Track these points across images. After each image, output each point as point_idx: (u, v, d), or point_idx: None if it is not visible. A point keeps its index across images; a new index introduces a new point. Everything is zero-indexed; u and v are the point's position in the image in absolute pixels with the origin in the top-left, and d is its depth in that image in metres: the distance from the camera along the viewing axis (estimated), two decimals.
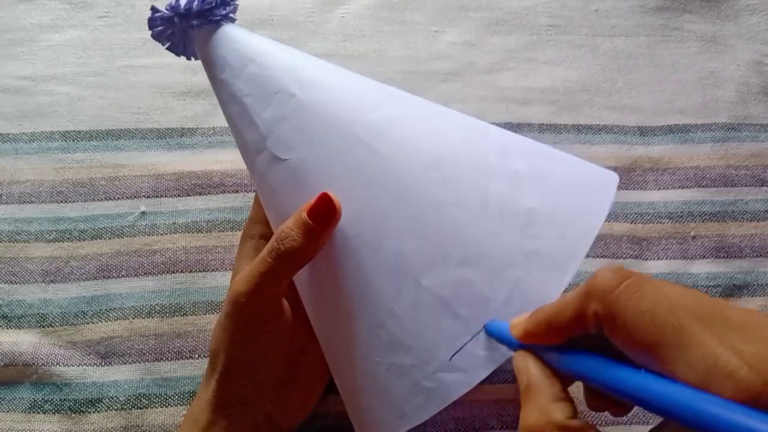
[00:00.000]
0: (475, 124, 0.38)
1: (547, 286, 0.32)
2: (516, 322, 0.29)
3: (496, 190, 0.34)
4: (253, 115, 0.36)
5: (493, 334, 0.32)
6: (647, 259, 0.48)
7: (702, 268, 0.48)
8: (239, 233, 0.43)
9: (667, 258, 0.49)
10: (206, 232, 0.47)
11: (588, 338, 0.27)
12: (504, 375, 0.44)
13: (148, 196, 0.48)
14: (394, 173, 0.34)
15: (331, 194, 0.33)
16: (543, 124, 0.53)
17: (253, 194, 0.47)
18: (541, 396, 0.27)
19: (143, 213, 0.48)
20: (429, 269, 0.33)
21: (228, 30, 0.38)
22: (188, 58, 0.40)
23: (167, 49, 0.40)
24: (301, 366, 0.38)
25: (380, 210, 0.34)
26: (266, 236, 0.38)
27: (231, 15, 0.38)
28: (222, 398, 0.35)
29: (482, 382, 0.44)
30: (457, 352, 0.32)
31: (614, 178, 0.37)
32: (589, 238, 0.34)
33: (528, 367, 0.28)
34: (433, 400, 0.32)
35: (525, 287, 0.32)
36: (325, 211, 0.33)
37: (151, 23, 0.38)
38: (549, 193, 0.35)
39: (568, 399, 0.27)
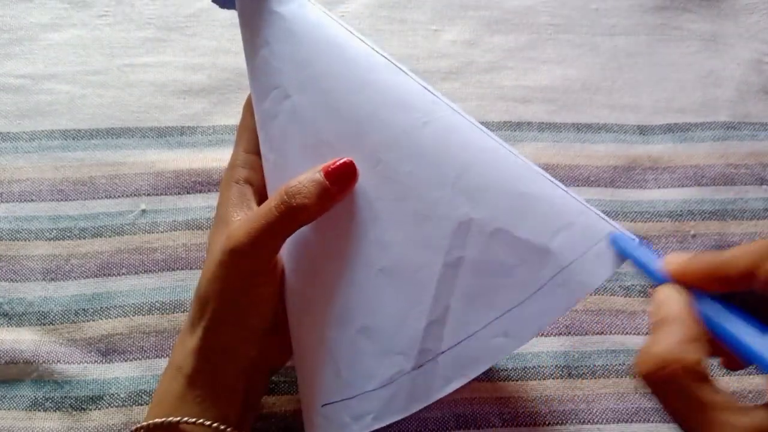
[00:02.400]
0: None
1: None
2: (673, 259, 0.29)
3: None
4: (257, 102, 0.37)
5: (626, 253, 0.31)
6: None
7: None
8: None
9: None
10: (206, 229, 0.48)
11: (742, 298, 0.27)
12: (505, 373, 0.44)
13: (149, 194, 0.48)
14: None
15: (351, 161, 0.33)
16: (542, 123, 0.53)
17: None
18: (680, 330, 0.25)
19: (143, 211, 0.48)
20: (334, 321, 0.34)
21: None
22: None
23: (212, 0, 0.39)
24: (283, 314, 0.37)
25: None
26: (250, 181, 0.37)
27: None
28: (208, 346, 0.34)
29: (482, 380, 0.44)
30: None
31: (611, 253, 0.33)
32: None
33: (673, 301, 0.27)
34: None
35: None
36: (344, 175, 0.33)
37: None
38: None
39: (705, 344, 0.25)
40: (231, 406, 0.35)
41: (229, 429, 0.34)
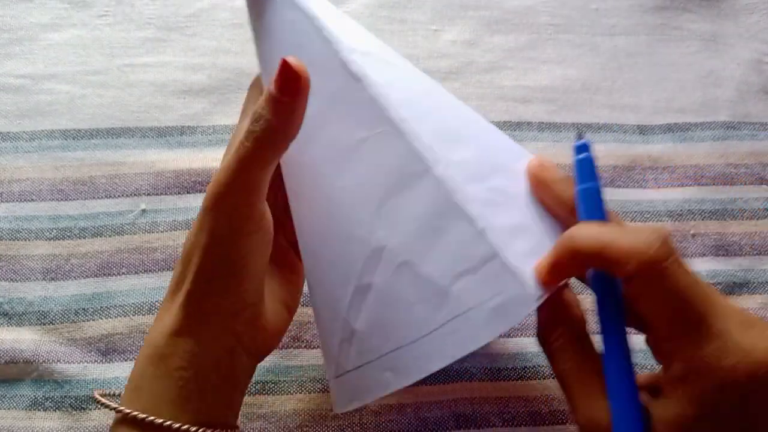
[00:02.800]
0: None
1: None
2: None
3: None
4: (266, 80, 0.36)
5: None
6: None
7: (702, 266, 0.48)
8: None
9: None
10: None
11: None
12: (506, 372, 0.44)
13: (149, 194, 0.48)
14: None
15: (294, 61, 0.29)
16: (542, 122, 0.53)
17: None
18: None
19: (143, 211, 0.48)
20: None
21: None
22: None
23: None
24: (273, 288, 0.36)
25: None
26: None
27: None
28: (190, 315, 0.31)
29: (483, 379, 0.44)
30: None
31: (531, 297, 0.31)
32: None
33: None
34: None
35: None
36: (289, 79, 0.29)
37: None
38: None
39: None
40: (215, 392, 0.32)
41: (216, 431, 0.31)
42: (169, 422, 0.30)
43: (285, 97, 0.29)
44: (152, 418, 0.30)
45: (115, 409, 0.31)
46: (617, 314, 0.31)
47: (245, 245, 0.31)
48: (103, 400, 0.32)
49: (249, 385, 0.36)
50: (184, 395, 0.31)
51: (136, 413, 0.30)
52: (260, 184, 0.31)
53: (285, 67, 0.29)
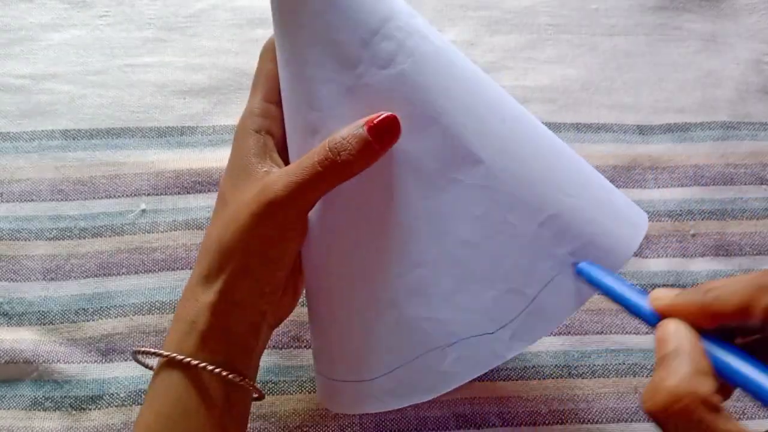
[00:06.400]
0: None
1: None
2: (660, 295, 0.28)
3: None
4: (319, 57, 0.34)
5: (604, 287, 0.31)
6: (647, 257, 0.49)
7: (702, 266, 0.49)
8: None
9: (666, 256, 0.49)
10: (206, 229, 0.48)
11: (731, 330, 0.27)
12: (506, 372, 0.45)
13: (149, 194, 0.49)
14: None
15: (394, 115, 0.32)
16: (542, 122, 0.53)
17: None
18: (689, 364, 0.25)
19: (143, 211, 0.48)
20: (519, 210, 0.33)
21: None
22: None
23: None
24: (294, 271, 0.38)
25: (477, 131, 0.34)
26: (271, 132, 0.37)
27: None
28: (225, 300, 0.34)
29: (483, 379, 0.44)
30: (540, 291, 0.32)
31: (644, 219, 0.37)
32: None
33: (681, 334, 0.26)
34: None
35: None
36: (386, 131, 0.32)
37: None
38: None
39: (715, 377, 0.25)
40: (243, 360, 0.35)
41: (246, 381, 0.34)
42: (213, 368, 0.33)
43: (376, 146, 0.32)
44: (197, 362, 0.33)
45: (161, 354, 0.34)
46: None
47: (285, 248, 0.34)
48: (147, 349, 0.35)
49: None
50: (217, 363, 0.34)
51: (181, 357, 0.33)
52: (314, 203, 0.34)
53: (390, 121, 0.32)
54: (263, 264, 0.34)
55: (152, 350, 0.35)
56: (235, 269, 0.34)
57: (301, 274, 0.38)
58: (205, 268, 0.35)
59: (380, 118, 0.32)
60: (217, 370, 0.33)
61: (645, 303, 0.29)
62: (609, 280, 0.31)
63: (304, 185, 0.32)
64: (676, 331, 0.27)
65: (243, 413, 0.36)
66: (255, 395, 0.36)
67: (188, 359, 0.33)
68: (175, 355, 0.33)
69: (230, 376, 0.33)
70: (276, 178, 0.33)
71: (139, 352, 0.36)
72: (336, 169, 0.32)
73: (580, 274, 0.32)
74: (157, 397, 0.34)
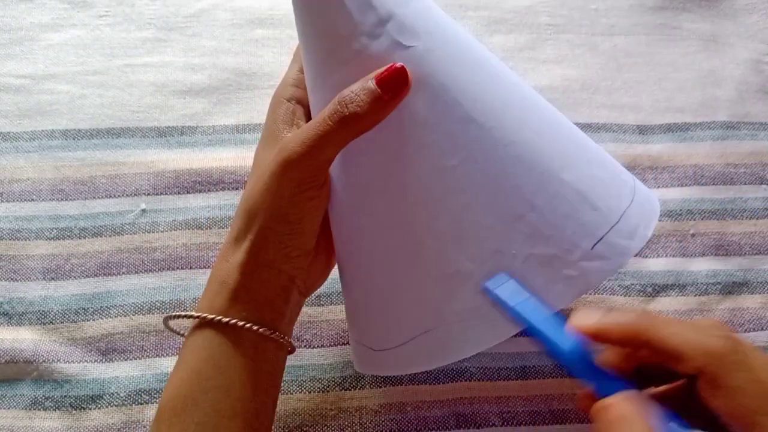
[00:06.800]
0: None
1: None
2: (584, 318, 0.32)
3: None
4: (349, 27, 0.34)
5: (510, 309, 0.32)
6: (647, 257, 0.48)
7: (701, 265, 0.48)
8: None
9: (666, 256, 0.49)
10: (206, 228, 0.48)
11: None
12: (506, 372, 0.45)
13: (149, 194, 0.49)
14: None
15: (403, 66, 0.32)
16: None
17: None
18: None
19: (143, 210, 0.48)
20: (566, 164, 0.34)
21: None
22: None
23: None
24: (323, 239, 0.38)
25: (515, 107, 0.34)
26: (302, 101, 0.38)
27: None
28: (253, 260, 0.35)
29: (482, 379, 0.44)
30: (599, 240, 0.33)
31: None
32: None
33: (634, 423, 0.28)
34: (574, 287, 0.33)
35: (639, 189, 0.37)
36: (395, 82, 0.32)
37: None
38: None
39: None
40: (273, 322, 0.35)
41: (277, 333, 0.35)
42: (244, 323, 0.34)
43: (386, 96, 0.32)
44: (228, 319, 0.34)
45: (191, 316, 0.35)
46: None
47: (304, 208, 0.35)
48: (178, 313, 0.36)
49: None
50: (242, 308, 0.35)
51: (212, 316, 0.34)
52: (331, 159, 0.34)
53: (398, 71, 0.32)
54: (285, 224, 0.34)
55: (183, 313, 0.35)
56: (260, 230, 0.34)
57: (332, 246, 0.39)
58: (235, 230, 0.36)
59: (388, 69, 0.32)
60: (248, 325, 0.34)
61: (561, 337, 0.31)
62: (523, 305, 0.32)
63: (317, 140, 0.32)
64: (626, 418, 0.28)
65: (276, 368, 0.36)
66: (288, 349, 0.37)
67: (219, 317, 0.34)
68: (205, 315, 0.34)
69: (260, 330, 0.34)
70: (292, 137, 0.34)
71: (170, 317, 0.36)
72: (346, 123, 0.32)
73: (486, 293, 0.32)
74: (188, 356, 0.35)
